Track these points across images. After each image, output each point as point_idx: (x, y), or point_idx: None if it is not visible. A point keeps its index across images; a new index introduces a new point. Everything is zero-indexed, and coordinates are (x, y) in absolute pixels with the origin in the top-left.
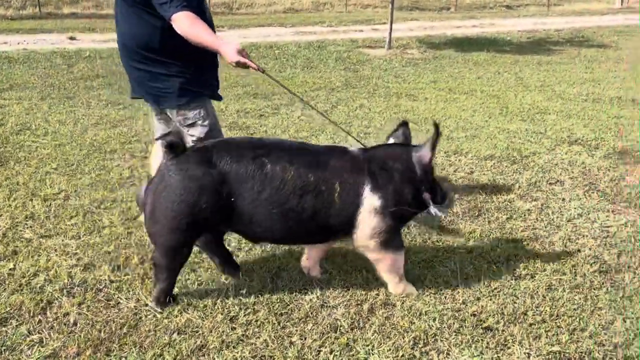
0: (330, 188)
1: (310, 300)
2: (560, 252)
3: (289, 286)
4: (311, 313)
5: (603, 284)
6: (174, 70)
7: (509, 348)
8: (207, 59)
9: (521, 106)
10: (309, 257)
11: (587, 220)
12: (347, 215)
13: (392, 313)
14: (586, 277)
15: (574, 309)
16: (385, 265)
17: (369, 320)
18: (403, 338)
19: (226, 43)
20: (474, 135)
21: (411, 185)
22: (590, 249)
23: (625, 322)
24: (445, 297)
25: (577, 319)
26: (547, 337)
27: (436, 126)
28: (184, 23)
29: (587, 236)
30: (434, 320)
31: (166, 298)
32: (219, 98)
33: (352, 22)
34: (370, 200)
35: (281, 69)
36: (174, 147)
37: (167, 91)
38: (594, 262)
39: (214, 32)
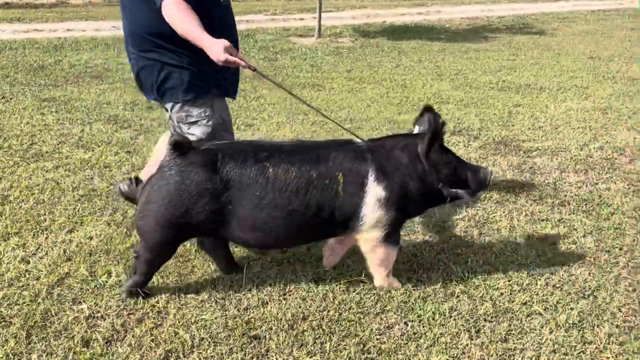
0: (333, 180)
1: (82, 310)
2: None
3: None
4: (70, 327)
5: None
6: (186, 62)
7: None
8: None
9: (424, 96)
10: (332, 256)
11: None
12: (352, 207)
13: (162, 323)
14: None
15: None
16: (378, 258)
17: (132, 331)
18: (155, 351)
19: (212, 39)
20: (359, 127)
21: (418, 177)
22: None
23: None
24: (231, 303)
25: None
26: None
27: (435, 117)
28: (172, 11)
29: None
30: (204, 329)
31: (137, 290)
32: (233, 96)
33: (298, 10)
34: (374, 191)
35: None
36: (180, 145)
37: (174, 83)
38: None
39: (233, 28)
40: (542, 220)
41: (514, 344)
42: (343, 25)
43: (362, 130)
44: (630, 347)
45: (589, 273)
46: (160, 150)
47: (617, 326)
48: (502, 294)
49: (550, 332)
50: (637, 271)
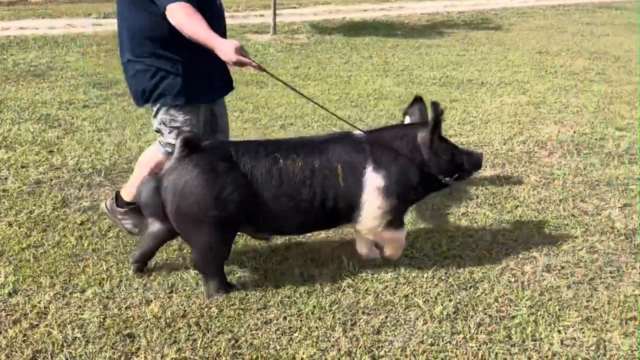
0: (333, 171)
1: None
2: None
3: None
4: None
5: None
6: (180, 67)
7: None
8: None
9: (364, 92)
10: (361, 243)
11: None
12: (352, 197)
13: (38, 323)
14: None
15: None
16: (387, 242)
17: (5, 332)
18: (23, 352)
19: (224, 40)
20: (291, 123)
21: (417, 166)
22: None
23: None
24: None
25: None
26: None
27: (435, 106)
28: (179, 14)
29: None
30: (79, 328)
31: (225, 289)
32: (226, 92)
33: (261, 6)
34: (372, 181)
35: None
36: (191, 144)
37: (165, 88)
38: None
39: (224, 27)
40: (446, 214)
41: (385, 335)
42: (302, 22)
43: (295, 127)
44: (497, 336)
45: (478, 265)
46: (145, 164)
47: (490, 316)
48: (386, 287)
49: (424, 324)
50: (525, 262)
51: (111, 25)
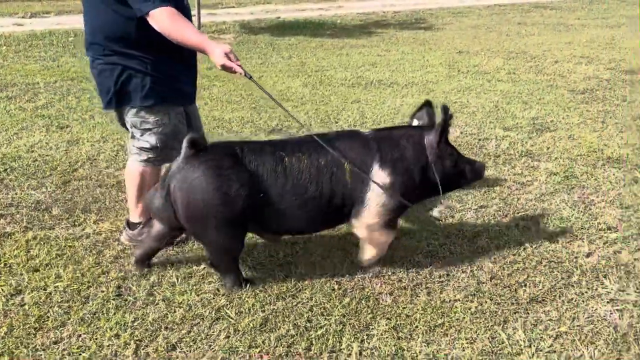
0: (341, 168)
1: None
2: None
3: None
4: None
5: None
6: (149, 67)
7: None
8: (187, 56)
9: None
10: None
11: None
12: (358, 193)
13: None
14: None
15: None
16: (375, 242)
17: None
18: None
19: (214, 44)
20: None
21: (422, 167)
22: None
23: None
24: None
25: None
26: None
27: (445, 110)
28: (165, 21)
29: None
30: None
31: (241, 284)
32: (192, 102)
33: (204, 6)
34: (379, 178)
35: (54, 57)
36: (197, 144)
37: (133, 87)
38: None
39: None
40: None
41: (179, 352)
42: (233, 22)
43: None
44: (297, 348)
45: (306, 272)
46: (131, 180)
47: (297, 326)
48: (202, 299)
49: (226, 337)
50: (354, 268)
51: (33, 25)
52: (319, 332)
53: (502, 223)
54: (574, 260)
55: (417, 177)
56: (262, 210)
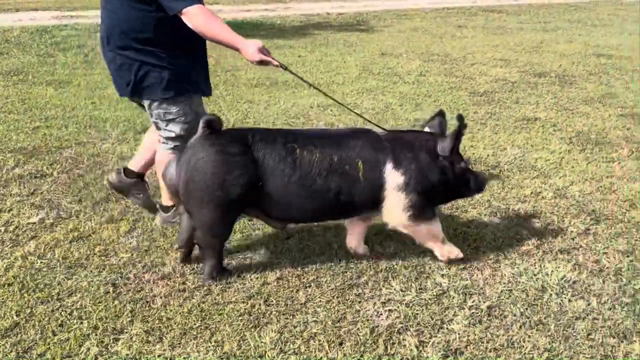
0: (353, 166)
1: None
2: None
3: None
4: None
5: None
6: (166, 62)
7: None
8: (199, 52)
9: None
10: (352, 236)
11: None
12: (371, 192)
13: None
14: None
15: None
16: (422, 235)
17: None
18: None
19: (247, 41)
20: (65, 124)
21: (432, 171)
22: None
23: None
24: None
25: None
26: None
27: (461, 119)
28: (199, 18)
29: None
30: None
31: (217, 273)
32: (209, 93)
33: None
34: (393, 177)
35: None
36: (213, 125)
37: (152, 81)
38: None
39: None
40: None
41: None
42: None
43: (54, 127)
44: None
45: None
46: (148, 142)
47: (44, 330)
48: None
49: None
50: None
51: None
52: (64, 336)
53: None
54: (369, 261)
55: (431, 176)
56: (264, 198)
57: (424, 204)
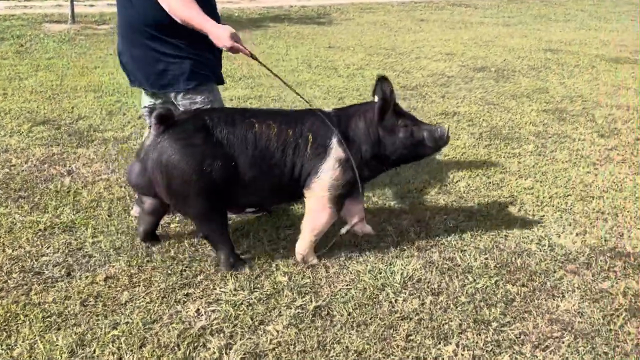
0: (305, 140)
1: None
2: None
3: None
4: None
5: None
6: (185, 52)
7: None
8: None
9: (79, 85)
10: (353, 219)
11: None
12: (314, 164)
13: None
14: None
15: None
16: (316, 222)
17: None
18: None
19: (219, 26)
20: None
21: (372, 143)
22: None
23: None
24: None
25: None
26: None
27: (381, 82)
28: (175, 2)
29: None
30: None
31: (235, 260)
32: (223, 82)
33: None
34: (336, 152)
35: None
36: (165, 118)
37: (175, 73)
38: None
39: (216, 11)
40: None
41: None
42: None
43: None
44: None
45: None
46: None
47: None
48: None
49: None
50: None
51: None
52: None
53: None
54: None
55: (368, 153)
56: (234, 179)
57: (349, 188)
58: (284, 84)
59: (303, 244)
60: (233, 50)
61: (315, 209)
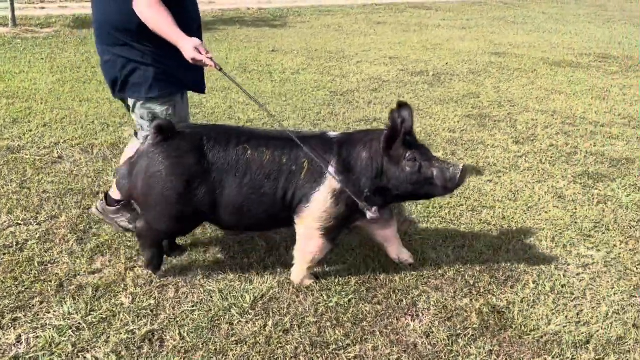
0: (299, 167)
1: None
2: None
3: None
4: None
5: None
6: (150, 59)
7: None
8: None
9: (17, 89)
10: (392, 247)
11: None
12: (306, 192)
13: None
14: None
15: None
16: (310, 249)
17: None
18: None
19: (185, 38)
20: None
21: (376, 173)
22: None
23: None
24: None
25: None
26: None
27: (396, 111)
28: (144, 7)
29: None
30: None
31: (158, 261)
32: (201, 91)
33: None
34: (330, 183)
35: None
36: (164, 130)
37: (137, 80)
38: None
39: (198, 23)
40: None
41: None
42: (72, 15)
43: None
44: None
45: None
46: (129, 154)
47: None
48: None
49: None
50: None
51: None
52: None
53: None
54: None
55: (367, 186)
56: (218, 205)
57: (343, 223)
58: (249, 96)
59: (296, 273)
60: (197, 61)
61: (305, 237)
